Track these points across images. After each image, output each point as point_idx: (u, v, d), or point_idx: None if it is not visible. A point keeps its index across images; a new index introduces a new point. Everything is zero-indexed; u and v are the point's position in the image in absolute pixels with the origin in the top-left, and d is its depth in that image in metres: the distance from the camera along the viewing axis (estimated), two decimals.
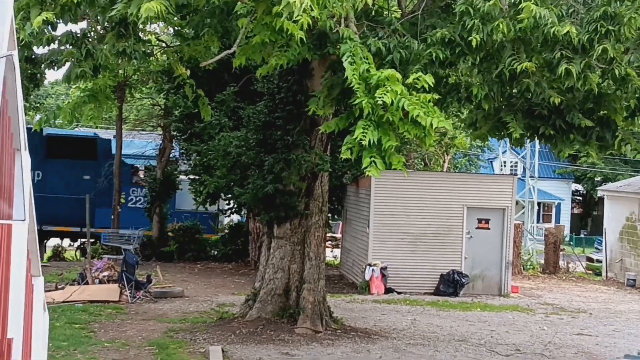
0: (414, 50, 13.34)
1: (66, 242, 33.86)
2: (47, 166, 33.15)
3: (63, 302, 20.37)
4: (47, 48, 12.90)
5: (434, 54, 13.25)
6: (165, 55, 17.42)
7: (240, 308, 18.96)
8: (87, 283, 21.82)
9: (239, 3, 12.12)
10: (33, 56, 14.16)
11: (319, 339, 17.24)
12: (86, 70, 12.23)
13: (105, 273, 22.47)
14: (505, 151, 51.54)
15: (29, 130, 32.05)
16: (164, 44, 19.04)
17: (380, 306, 22.45)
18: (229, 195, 25.83)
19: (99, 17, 12.33)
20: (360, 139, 10.87)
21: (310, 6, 10.42)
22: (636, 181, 32.89)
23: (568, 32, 12.41)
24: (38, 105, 34.16)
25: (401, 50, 13.23)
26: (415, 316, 21.08)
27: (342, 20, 12.15)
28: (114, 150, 33.24)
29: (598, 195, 34.31)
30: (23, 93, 5.36)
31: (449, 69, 13.99)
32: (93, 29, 12.56)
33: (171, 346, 16.14)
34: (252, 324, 17.68)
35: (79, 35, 12.38)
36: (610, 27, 12.60)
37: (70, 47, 12.35)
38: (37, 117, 43.44)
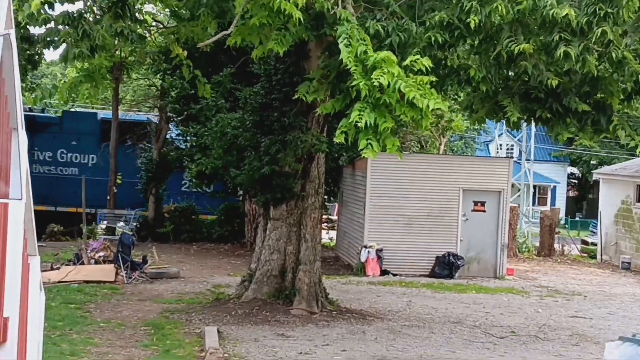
0: (413, 33, 13.31)
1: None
2: (101, 150, 33.48)
3: (59, 282, 20.41)
4: (43, 28, 12.88)
5: (432, 38, 13.23)
6: (162, 36, 17.38)
7: (236, 289, 19.00)
8: (82, 263, 21.86)
9: None
10: (29, 36, 14.12)
11: (315, 320, 17.29)
12: (83, 51, 12.20)
13: (101, 253, 22.50)
14: (502, 134, 51.58)
15: (85, 114, 31.93)
16: (160, 25, 18.98)
17: (375, 288, 22.50)
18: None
19: None
20: (356, 121, 10.86)
21: None
22: (632, 164, 32.92)
23: (567, 14, 12.39)
24: (34, 85, 34.05)
25: (400, 34, 13.19)
26: (410, 298, 21.14)
27: (340, 1, 12.11)
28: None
29: (593, 178, 34.36)
30: (20, 73, 5.35)
31: (447, 51, 13.96)
32: (90, 10, 12.51)
33: (167, 327, 16.19)
34: (247, 305, 17.72)
35: (75, 15, 12.34)
36: (609, 10, 12.57)
37: (67, 27, 12.31)
38: (34, 96, 43.40)
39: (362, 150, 11.09)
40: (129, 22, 12.18)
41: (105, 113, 34.89)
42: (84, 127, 33.46)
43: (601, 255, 33.08)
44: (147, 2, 12.44)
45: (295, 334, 16.04)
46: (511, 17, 12.87)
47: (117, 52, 15.84)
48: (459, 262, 25.10)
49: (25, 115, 6.34)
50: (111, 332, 15.66)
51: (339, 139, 11.25)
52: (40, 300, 8.96)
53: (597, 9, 12.60)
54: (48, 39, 13.29)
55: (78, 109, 40.35)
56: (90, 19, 12.57)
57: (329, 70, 14.48)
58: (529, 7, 12.55)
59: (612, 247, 32.64)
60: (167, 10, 22.65)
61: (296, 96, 15.42)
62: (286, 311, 17.58)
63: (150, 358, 13.83)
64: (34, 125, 29.86)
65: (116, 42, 13.17)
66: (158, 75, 32.19)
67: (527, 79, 14.64)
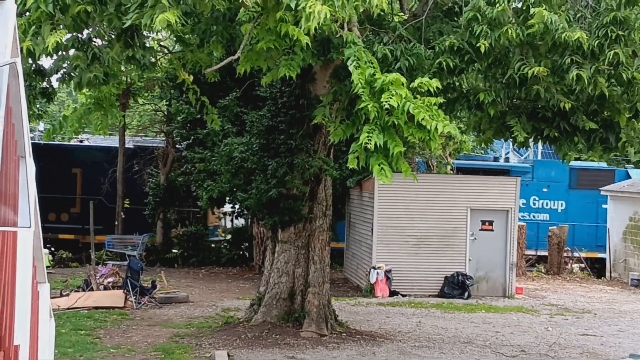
0: (422, 57, 13.37)
1: None
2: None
3: (68, 308, 20.40)
4: (53, 56, 12.90)
5: (443, 63, 13.29)
6: (168, 62, 17.43)
7: (246, 312, 18.98)
8: (91, 289, 21.86)
9: (242, 9, 12.13)
10: (42, 69, 14.19)
11: (325, 342, 17.26)
12: (97, 76, 12.25)
13: (110, 279, 22.49)
14: (508, 152, 51.46)
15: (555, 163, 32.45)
16: (166, 50, 19.04)
17: (385, 309, 22.45)
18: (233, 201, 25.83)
19: (104, 24, 12.33)
20: (366, 143, 10.87)
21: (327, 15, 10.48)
22: (639, 181, 32.84)
23: (578, 37, 12.45)
24: (42, 113, 34.13)
25: (409, 58, 13.26)
26: (420, 318, 21.09)
27: (345, 24, 12.16)
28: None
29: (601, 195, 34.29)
30: (28, 102, 5.39)
31: (458, 76, 14.01)
32: (99, 34, 12.54)
33: (177, 351, 16.16)
34: (257, 328, 17.69)
35: (84, 39, 12.40)
36: (620, 32, 12.64)
37: (76, 51, 12.34)
38: (41, 124, 43.44)
39: (376, 176, 11.07)
40: (139, 50, 12.22)
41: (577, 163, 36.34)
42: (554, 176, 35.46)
43: (610, 272, 32.96)
44: (157, 32, 12.42)
45: (305, 356, 16.01)
46: (520, 41, 12.92)
47: (124, 79, 15.87)
48: (468, 282, 25.05)
49: None
50: (121, 358, 15.64)
51: (352, 164, 11.24)
52: (50, 327, 8.97)
53: (609, 32, 12.67)
54: (62, 71, 13.34)
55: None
56: (99, 42, 12.60)
57: (340, 95, 14.52)
58: (541, 31, 12.60)
59: (621, 264, 32.53)
60: (172, 36, 22.75)
61: (313, 122, 15.50)
62: (296, 334, 17.55)
63: None
64: None
65: (130, 67, 13.21)
66: (164, 101, 32.25)
67: (538, 102, 14.68)
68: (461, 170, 33.92)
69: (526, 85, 13.78)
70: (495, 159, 38.31)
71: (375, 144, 10.88)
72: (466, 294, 24.90)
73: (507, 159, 37.72)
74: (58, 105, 57.18)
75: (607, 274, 33.02)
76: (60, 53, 12.30)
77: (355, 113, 12.28)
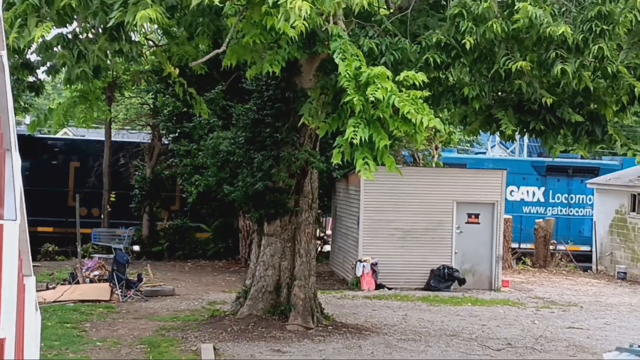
0: (407, 52, 13.39)
1: None
2: None
3: (54, 301, 20.36)
4: (39, 52, 12.88)
5: (430, 59, 13.32)
6: (153, 55, 17.39)
7: (232, 305, 18.99)
8: (78, 282, 21.81)
9: (227, 3, 12.12)
10: (29, 63, 14.16)
11: (310, 335, 17.28)
12: (86, 71, 12.23)
13: (96, 272, 22.45)
14: (494, 146, 51.57)
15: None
16: (152, 43, 19.01)
17: (371, 302, 22.49)
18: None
19: (89, 20, 12.31)
20: (351, 138, 10.87)
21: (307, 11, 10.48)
22: (625, 174, 32.96)
23: (563, 32, 12.49)
24: (28, 105, 34.03)
25: (394, 52, 13.28)
26: (406, 311, 21.13)
27: (331, 17, 12.16)
28: None
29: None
30: (15, 95, 5.39)
31: (444, 71, 14.03)
32: (84, 31, 12.51)
33: (163, 344, 16.16)
34: (243, 322, 17.70)
35: (70, 37, 12.37)
36: (605, 27, 12.68)
37: (62, 49, 12.32)
38: (28, 117, 43.32)
39: (359, 171, 11.09)
40: (125, 44, 12.21)
41: None
42: None
43: (596, 265, 33.10)
44: (140, 28, 12.41)
45: (291, 349, 16.03)
46: (505, 35, 12.95)
47: (110, 72, 15.82)
48: (455, 275, 25.13)
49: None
50: (107, 351, 15.63)
51: (336, 159, 11.25)
52: (36, 320, 8.96)
53: (594, 26, 12.71)
54: (49, 64, 13.33)
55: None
56: (84, 38, 12.57)
57: (327, 89, 14.54)
58: (526, 25, 12.63)
59: (607, 257, 32.66)
60: (158, 29, 22.71)
61: (301, 122, 15.53)
62: (282, 327, 17.57)
63: None
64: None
65: (117, 60, 13.20)
66: (150, 94, 32.18)
67: (522, 94, 14.72)
68: (551, 170, 34.26)
69: (510, 79, 13.82)
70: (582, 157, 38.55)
71: (361, 138, 10.89)
72: (456, 282, 24.99)
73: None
74: (44, 99, 56.99)
75: (594, 266, 33.16)
76: (47, 51, 12.28)
77: (341, 107, 12.29)
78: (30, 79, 15.49)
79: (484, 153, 50.57)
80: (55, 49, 12.47)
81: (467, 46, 12.92)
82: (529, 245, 33.63)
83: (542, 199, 35.64)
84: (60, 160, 34.31)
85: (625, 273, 30.54)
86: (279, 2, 10.61)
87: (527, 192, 35.59)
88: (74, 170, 34.05)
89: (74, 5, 11.27)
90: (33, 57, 14.33)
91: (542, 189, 35.62)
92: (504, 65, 13.21)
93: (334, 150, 11.34)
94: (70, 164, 34.14)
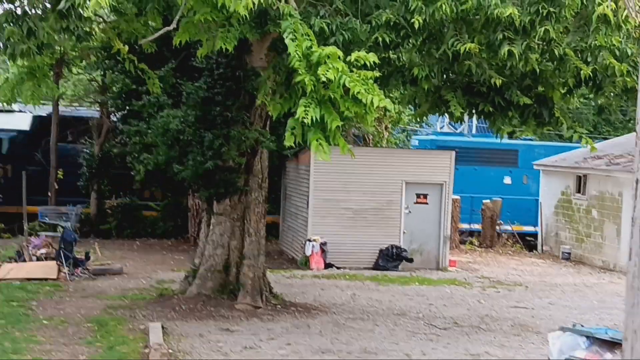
0: (357, 32, 13.40)
1: None
2: None
3: (0, 279, 20.16)
4: None
5: (380, 38, 13.34)
6: (103, 32, 17.22)
7: (180, 285, 18.94)
8: (24, 260, 21.62)
9: None
10: None
11: (259, 314, 17.31)
12: (31, 47, 12.07)
13: (43, 250, 22.25)
14: (443, 126, 51.85)
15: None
16: (101, 19, 18.79)
17: (319, 281, 22.58)
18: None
19: None
20: (303, 118, 10.87)
21: None
22: (571, 156, 33.35)
23: (510, 13, 12.59)
24: None
25: (344, 32, 13.27)
26: (354, 291, 21.24)
27: None
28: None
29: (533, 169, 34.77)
30: None
31: (393, 51, 14.07)
32: (33, 6, 12.34)
33: (110, 323, 16.08)
34: (192, 301, 17.68)
35: (19, 14, 12.21)
36: (551, 9, 12.80)
37: (10, 25, 12.15)
38: None
39: (314, 152, 11.08)
40: (74, 20, 12.07)
41: None
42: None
43: (542, 246, 33.52)
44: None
45: (240, 328, 16.05)
46: (455, 16, 13.01)
47: (58, 48, 15.63)
48: (403, 254, 25.31)
49: None
50: (54, 330, 15.52)
51: (289, 141, 11.24)
52: None
53: (540, 8, 12.82)
54: None
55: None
56: (33, 14, 12.40)
57: (279, 69, 14.50)
58: (474, 7, 12.70)
59: (552, 238, 33.08)
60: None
61: (258, 102, 15.48)
62: (231, 306, 17.57)
63: (94, 356, 13.73)
64: None
65: (63, 37, 13.05)
66: (99, 71, 31.80)
67: (471, 77, 14.82)
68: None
69: (459, 61, 13.90)
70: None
71: (312, 118, 10.90)
72: (404, 261, 25.19)
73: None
74: None
75: (539, 247, 33.57)
76: None
77: (292, 87, 12.28)
78: None
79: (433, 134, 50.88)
80: (4, 25, 12.29)
81: (416, 25, 12.97)
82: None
83: None
84: None
85: (569, 253, 30.96)
86: None
87: None
88: None
89: None
90: None
91: None
92: (452, 46, 13.29)
93: (286, 133, 11.32)
94: None
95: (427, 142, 35.71)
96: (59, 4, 11.26)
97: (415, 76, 14.49)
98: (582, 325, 13.55)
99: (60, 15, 11.89)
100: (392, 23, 13.40)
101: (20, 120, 34.20)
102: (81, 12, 12.29)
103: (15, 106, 21.27)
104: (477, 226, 33.99)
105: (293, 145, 11.39)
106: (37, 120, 34.02)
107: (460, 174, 29.81)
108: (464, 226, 33.83)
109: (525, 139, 36.72)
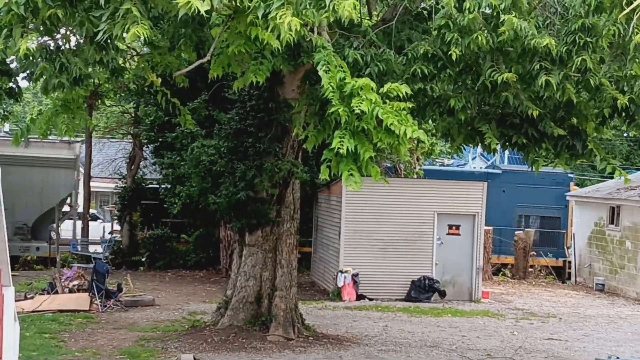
0: (392, 63, 13.42)
1: None
2: None
3: (32, 311, 20.23)
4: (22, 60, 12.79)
5: (418, 70, 13.36)
6: (136, 65, 17.32)
7: (212, 316, 18.92)
8: (56, 292, 21.69)
9: (214, 13, 12.09)
10: (8, 69, 14.07)
11: (291, 346, 17.24)
12: (63, 81, 12.14)
13: (75, 282, 22.33)
14: (475, 157, 51.69)
15: None
16: (134, 52, 18.92)
17: (351, 313, 22.48)
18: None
19: (74, 31, 12.21)
20: (338, 148, 10.86)
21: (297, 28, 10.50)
22: (604, 187, 33.14)
23: (547, 44, 12.55)
24: (7, 114, 33.89)
25: (378, 63, 13.30)
26: (386, 322, 21.13)
27: (315, 28, 12.16)
28: None
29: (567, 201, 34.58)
30: None
31: (430, 83, 14.06)
32: (67, 41, 12.41)
33: (142, 355, 16.08)
34: (224, 332, 17.64)
35: (52, 49, 12.29)
36: (588, 39, 12.75)
37: (44, 61, 12.22)
38: (6, 125, 43.07)
39: (345, 183, 11.05)
40: (112, 53, 12.15)
41: None
42: None
43: (575, 277, 33.23)
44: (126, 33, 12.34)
45: None
46: (490, 47, 12.99)
47: (92, 81, 15.74)
48: (435, 286, 25.18)
49: None
50: None
51: (324, 174, 11.22)
52: (14, 330, 8.90)
53: (577, 38, 12.77)
54: (27, 71, 13.25)
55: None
56: (66, 50, 12.47)
57: (312, 99, 14.52)
58: (510, 37, 12.68)
59: (586, 269, 32.80)
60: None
61: (293, 133, 15.49)
62: (263, 337, 17.52)
63: None
64: None
65: (98, 69, 13.11)
66: (132, 103, 32.06)
67: (507, 108, 14.76)
68: None
69: (496, 91, 13.86)
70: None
71: (348, 149, 10.88)
72: (436, 293, 25.06)
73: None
74: (23, 106, 56.71)
75: (573, 278, 33.28)
76: (30, 59, 12.19)
77: (325, 118, 12.28)
78: (10, 84, 15.37)
79: (464, 165, 50.74)
80: (37, 59, 12.37)
81: (453, 57, 12.96)
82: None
83: None
84: None
85: (603, 285, 30.69)
86: (269, 16, 10.60)
87: None
88: None
89: (60, 15, 11.19)
90: (13, 64, 14.26)
91: None
92: (489, 76, 13.26)
93: (321, 167, 11.30)
94: None
95: None
96: (96, 36, 11.31)
97: (452, 107, 14.46)
98: (618, 358, 13.42)
99: (100, 48, 11.96)
100: (429, 55, 13.41)
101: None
102: (118, 46, 12.36)
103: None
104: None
105: (328, 178, 11.37)
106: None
107: None
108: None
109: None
